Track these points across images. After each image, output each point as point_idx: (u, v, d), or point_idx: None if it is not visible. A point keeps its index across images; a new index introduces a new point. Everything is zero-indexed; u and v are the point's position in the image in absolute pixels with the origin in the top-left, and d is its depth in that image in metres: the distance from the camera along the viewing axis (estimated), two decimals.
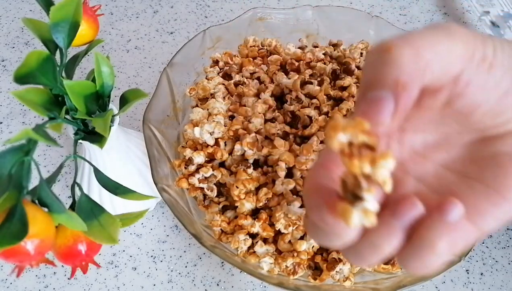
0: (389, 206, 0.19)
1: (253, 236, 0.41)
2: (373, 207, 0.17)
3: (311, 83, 0.46)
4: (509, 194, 0.19)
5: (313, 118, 0.44)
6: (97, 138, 0.34)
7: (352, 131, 0.17)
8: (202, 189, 0.43)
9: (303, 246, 0.39)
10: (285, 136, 0.44)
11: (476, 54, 0.18)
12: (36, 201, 0.26)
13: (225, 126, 0.44)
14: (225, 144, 0.44)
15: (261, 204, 0.41)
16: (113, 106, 0.38)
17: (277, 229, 0.39)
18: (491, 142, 0.20)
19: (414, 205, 0.19)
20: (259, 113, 0.44)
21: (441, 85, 0.19)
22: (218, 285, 0.45)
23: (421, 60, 0.17)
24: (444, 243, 0.18)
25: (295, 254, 0.39)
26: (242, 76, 0.49)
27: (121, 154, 0.43)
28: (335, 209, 0.18)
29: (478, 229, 0.19)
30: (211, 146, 0.43)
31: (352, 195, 0.17)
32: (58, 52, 0.33)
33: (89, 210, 0.29)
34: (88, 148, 0.41)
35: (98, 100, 0.34)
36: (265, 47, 0.53)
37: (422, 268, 0.19)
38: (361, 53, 0.51)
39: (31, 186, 0.26)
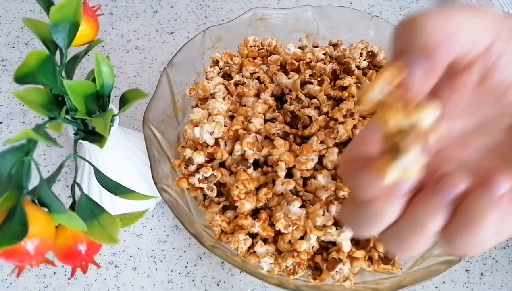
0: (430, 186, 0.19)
1: (253, 236, 0.41)
2: (416, 161, 0.16)
3: (311, 83, 0.46)
4: None
5: (313, 118, 0.44)
6: (97, 138, 0.34)
7: (389, 77, 0.17)
8: (202, 189, 0.43)
9: (303, 246, 0.39)
10: (285, 136, 0.44)
11: (504, 28, 0.19)
12: (36, 201, 0.26)
13: (225, 126, 0.44)
14: (225, 144, 0.44)
15: (261, 204, 0.41)
16: (113, 106, 0.38)
17: (277, 229, 0.39)
18: None
19: (460, 179, 0.19)
20: (259, 113, 0.44)
21: (472, 59, 0.19)
22: (218, 285, 0.45)
23: (448, 26, 0.18)
24: (491, 218, 0.17)
25: (295, 254, 0.39)
26: (242, 76, 0.49)
27: (121, 154, 0.43)
28: (372, 167, 0.17)
29: None
30: (211, 146, 0.43)
31: (393, 151, 0.17)
32: (58, 52, 0.33)
33: (89, 210, 0.29)
34: (88, 148, 0.41)
35: (98, 100, 0.34)
36: (265, 47, 0.53)
37: (468, 246, 0.18)
38: (361, 53, 0.51)
39: (31, 186, 0.26)
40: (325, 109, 0.45)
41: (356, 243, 0.41)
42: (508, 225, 0.18)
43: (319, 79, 0.47)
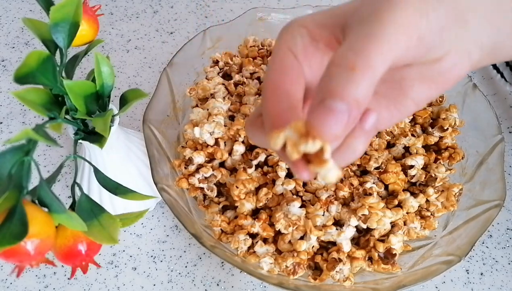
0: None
1: (253, 236, 0.41)
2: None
3: None
4: (404, 109, 0.25)
5: None
6: (97, 138, 0.34)
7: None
8: (202, 189, 0.43)
9: (303, 246, 0.39)
10: None
11: None
12: (36, 201, 0.26)
13: (225, 126, 0.44)
14: (225, 145, 0.44)
15: (261, 204, 0.41)
16: (113, 106, 0.38)
17: (277, 229, 0.39)
18: (401, 68, 0.24)
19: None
20: None
21: None
22: (218, 285, 0.45)
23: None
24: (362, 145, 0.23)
25: (295, 254, 0.39)
26: (242, 76, 0.49)
27: (121, 154, 0.43)
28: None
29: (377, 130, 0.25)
30: (211, 146, 0.43)
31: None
32: (58, 52, 0.33)
33: (89, 210, 0.29)
34: (88, 148, 0.41)
35: (98, 100, 0.34)
36: (265, 47, 0.53)
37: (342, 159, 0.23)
38: None
39: (31, 186, 0.26)
40: None
41: (356, 243, 0.41)
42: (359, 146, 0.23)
43: None
